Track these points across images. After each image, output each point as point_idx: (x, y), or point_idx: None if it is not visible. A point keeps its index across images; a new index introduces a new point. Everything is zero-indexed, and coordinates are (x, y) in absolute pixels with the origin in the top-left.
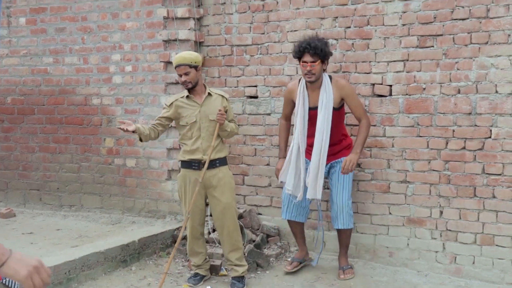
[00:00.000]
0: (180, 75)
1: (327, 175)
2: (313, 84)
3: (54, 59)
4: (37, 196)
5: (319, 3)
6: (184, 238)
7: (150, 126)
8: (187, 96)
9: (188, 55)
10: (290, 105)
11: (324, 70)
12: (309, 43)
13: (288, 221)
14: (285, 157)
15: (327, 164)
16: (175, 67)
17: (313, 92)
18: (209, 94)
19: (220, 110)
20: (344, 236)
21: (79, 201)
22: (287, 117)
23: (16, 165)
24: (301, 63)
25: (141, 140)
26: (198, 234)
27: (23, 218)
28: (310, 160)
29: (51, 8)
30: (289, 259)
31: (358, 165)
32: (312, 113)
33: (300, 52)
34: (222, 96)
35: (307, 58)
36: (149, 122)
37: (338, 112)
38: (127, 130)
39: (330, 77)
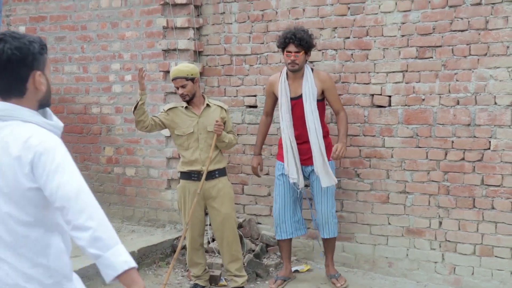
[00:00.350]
0: (177, 88)
1: (308, 178)
2: (295, 74)
3: (53, 68)
4: None
5: (318, 13)
6: (184, 248)
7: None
8: (186, 107)
9: (184, 67)
10: (272, 99)
11: (306, 61)
12: (294, 34)
13: (279, 240)
14: (260, 155)
15: (308, 165)
16: (172, 80)
17: (294, 82)
18: (207, 105)
19: (217, 121)
20: (331, 244)
21: None
22: (268, 112)
23: None
24: (285, 52)
25: (135, 108)
26: (198, 245)
27: None
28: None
29: (51, 17)
30: (274, 277)
31: (357, 175)
32: (293, 102)
33: (285, 43)
34: (221, 107)
35: (292, 48)
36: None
37: (319, 104)
38: (142, 77)
39: (312, 68)
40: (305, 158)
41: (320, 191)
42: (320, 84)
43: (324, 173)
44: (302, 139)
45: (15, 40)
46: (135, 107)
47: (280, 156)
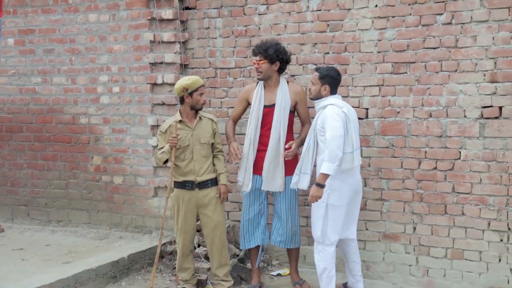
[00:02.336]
0: (201, 94)
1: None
2: (269, 84)
3: (42, 79)
4: (25, 211)
5: (299, 29)
6: (171, 253)
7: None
8: (180, 121)
9: (175, 86)
10: (243, 105)
11: (279, 72)
12: (260, 45)
13: (249, 249)
14: (235, 141)
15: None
16: (198, 88)
17: (270, 93)
18: (200, 118)
19: (220, 189)
20: (296, 253)
21: (67, 216)
22: (235, 118)
23: (4, 181)
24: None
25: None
26: (188, 251)
27: (11, 233)
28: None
29: (39, 29)
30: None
31: None
32: (266, 110)
33: (254, 52)
34: (212, 119)
35: (257, 57)
36: (156, 151)
37: (290, 115)
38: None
39: (287, 81)
40: None
41: (285, 208)
42: (294, 96)
43: (270, 178)
44: (265, 147)
45: None
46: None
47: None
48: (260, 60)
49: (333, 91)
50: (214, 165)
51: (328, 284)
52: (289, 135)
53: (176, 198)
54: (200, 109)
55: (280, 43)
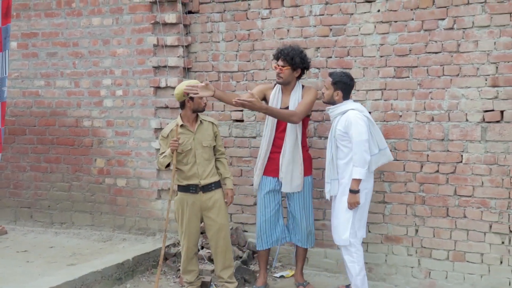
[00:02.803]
0: (202, 98)
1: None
2: (286, 88)
3: (45, 82)
4: (28, 213)
5: (302, 34)
6: (175, 255)
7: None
8: (181, 125)
9: (175, 91)
10: (261, 94)
11: (298, 78)
12: (283, 50)
13: (259, 250)
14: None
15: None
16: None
17: (286, 96)
18: (201, 121)
19: (228, 194)
20: (305, 254)
21: (70, 218)
22: (258, 89)
23: (7, 184)
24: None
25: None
26: (193, 254)
27: (15, 235)
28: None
29: (43, 33)
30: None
31: None
32: None
33: (276, 56)
34: (213, 123)
35: (280, 62)
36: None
37: (305, 118)
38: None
39: (303, 86)
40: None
41: (299, 208)
42: (304, 94)
43: (289, 179)
44: (280, 148)
45: None
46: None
47: (265, 171)
48: (283, 66)
49: (345, 97)
50: (218, 168)
51: (362, 284)
52: (304, 138)
53: (180, 202)
54: (202, 111)
55: (303, 50)
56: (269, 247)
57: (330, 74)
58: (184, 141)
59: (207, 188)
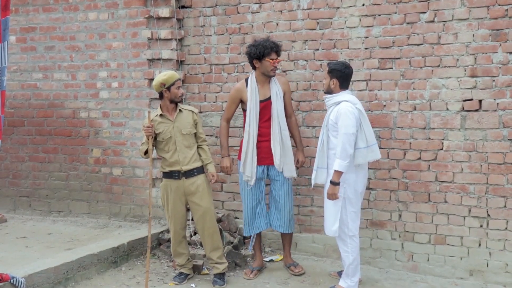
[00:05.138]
0: (178, 88)
1: (266, 176)
2: (263, 80)
3: (43, 75)
4: (26, 202)
5: (290, 27)
6: (168, 240)
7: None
8: (161, 115)
9: (153, 83)
10: (236, 104)
11: None
12: (275, 43)
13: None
14: (229, 156)
15: (267, 165)
16: (175, 82)
17: (262, 88)
18: (179, 110)
19: (213, 176)
20: (290, 238)
21: (67, 207)
22: (229, 119)
23: (7, 174)
24: (266, 60)
25: (146, 153)
26: (181, 237)
27: (14, 223)
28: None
29: (41, 27)
30: (249, 268)
31: None
32: (262, 105)
33: (269, 51)
34: (192, 111)
35: (274, 55)
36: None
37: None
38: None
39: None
40: (266, 157)
41: (283, 193)
42: (283, 86)
43: (285, 164)
44: (264, 137)
45: None
46: (145, 152)
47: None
48: (278, 57)
49: (343, 86)
50: (200, 155)
51: (354, 274)
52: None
53: (164, 188)
54: (180, 101)
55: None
56: (256, 232)
57: (327, 64)
58: (164, 129)
59: (189, 173)
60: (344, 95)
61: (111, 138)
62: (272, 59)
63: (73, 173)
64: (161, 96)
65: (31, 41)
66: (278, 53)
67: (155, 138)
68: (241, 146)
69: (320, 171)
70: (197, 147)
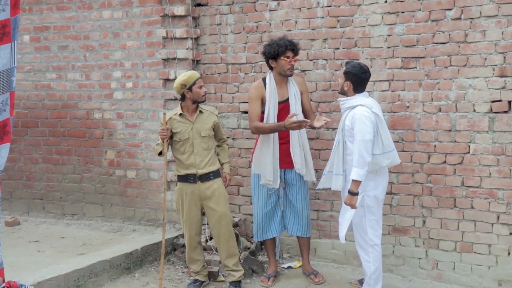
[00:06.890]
0: (200, 87)
1: (283, 180)
2: (281, 80)
3: (57, 75)
4: (40, 205)
5: (309, 25)
6: (183, 246)
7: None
8: (180, 114)
9: (174, 85)
10: (259, 102)
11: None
12: (291, 41)
13: (264, 241)
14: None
15: (285, 168)
16: (196, 81)
17: (280, 88)
18: (200, 111)
19: (226, 178)
20: (308, 243)
21: (81, 210)
22: (258, 117)
23: (20, 175)
24: (281, 58)
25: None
26: (196, 243)
27: (27, 226)
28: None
29: (54, 26)
30: (264, 275)
31: None
32: (281, 106)
33: (284, 50)
34: (213, 113)
35: (290, 54)
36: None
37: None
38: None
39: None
40: (284, 160)
41: (301, 197)
42: (300, 87)
43: (306, 169)
44: (282, 140)
45: None
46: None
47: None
48: (295, 56)
49: (357, 89)
50: (218, 154)
51: (376, 284)
52: None
53: (179, 192)
54: (203, 101)
55: None
56: (269, 238)
57: (346, 64)
58: (182, 129)
59: (205, 177)
60: (360, 98)
61: (125, 139)
62: (288, 57)
63: (87, 175)
64: (183, 97)
65: (44, 40)
66: (294, 51)
67: (171, 137)
68: (255, 147)
69: (336, 177)
70: (217, 146)
